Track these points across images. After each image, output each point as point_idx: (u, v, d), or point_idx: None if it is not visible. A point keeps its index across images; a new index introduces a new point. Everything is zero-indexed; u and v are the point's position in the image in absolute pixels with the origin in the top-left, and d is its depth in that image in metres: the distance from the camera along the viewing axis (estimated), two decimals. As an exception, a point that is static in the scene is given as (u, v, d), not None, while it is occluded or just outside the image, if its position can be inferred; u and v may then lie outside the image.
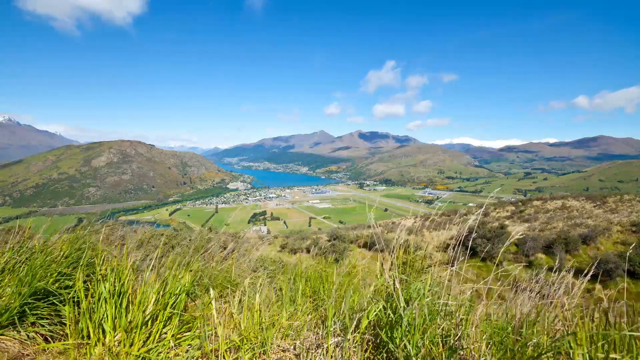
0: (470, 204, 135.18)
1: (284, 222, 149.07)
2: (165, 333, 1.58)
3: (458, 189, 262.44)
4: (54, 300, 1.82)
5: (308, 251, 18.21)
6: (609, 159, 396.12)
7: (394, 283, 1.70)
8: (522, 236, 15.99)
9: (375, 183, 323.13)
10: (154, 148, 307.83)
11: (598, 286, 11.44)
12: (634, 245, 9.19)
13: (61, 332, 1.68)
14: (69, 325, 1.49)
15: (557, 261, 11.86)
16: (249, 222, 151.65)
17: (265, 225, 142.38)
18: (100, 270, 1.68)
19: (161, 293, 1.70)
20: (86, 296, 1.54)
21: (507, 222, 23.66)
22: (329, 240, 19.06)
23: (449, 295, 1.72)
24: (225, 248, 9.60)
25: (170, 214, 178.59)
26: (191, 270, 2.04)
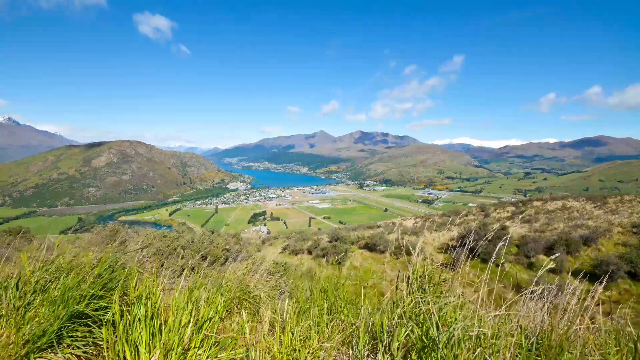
0: (470, 204, 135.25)
1: (284, 223, 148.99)
2: (200, 355, 1.61)
3: (458, 189, 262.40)
4: (89, 322, 1.84)
5: (310, 252, 18.22)
6: (609, 159, 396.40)
7: (423, 304, 1.68)
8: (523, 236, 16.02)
9: (375, 183, 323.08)
10: (154, 148, 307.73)
11: (600, 288, 11.51)
12: None
13: (95, 353, 1.71)
14: (106, 347, 1.52)
15: (558, 263, 11.78)
16: (249, 222, 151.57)
17: (265, 225, 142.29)
18: (134, 292, 1.69)
19: (194, 314, 1.69)
20: (121, 318, 1.57)
21: (507, 223, 23.69)
22: (330, 242, 19.09)
23: (481, 320, 1.70)
24: (228, 250, 9.60)
25: (170, 214, 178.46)
26: (222, 294, 2.05)
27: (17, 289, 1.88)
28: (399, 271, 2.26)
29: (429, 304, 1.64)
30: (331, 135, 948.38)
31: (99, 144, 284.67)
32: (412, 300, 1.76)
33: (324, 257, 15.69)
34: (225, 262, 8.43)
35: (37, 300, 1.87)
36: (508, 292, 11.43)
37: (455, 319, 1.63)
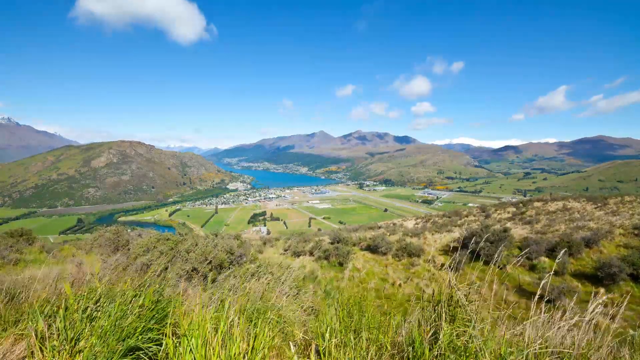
0: (470, 204, 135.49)
1: (284, 223, 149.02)
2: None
3: (458, 189, 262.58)
4: (140, 354, 1.85)
5: (311, 254, 18.22)
6: (609, 159, 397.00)
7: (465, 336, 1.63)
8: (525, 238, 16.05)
9: (375, 183, 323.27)
10: (154, 148, 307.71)
11: (602, 290, 11.50)
12: None
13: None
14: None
15: (560, 265, 11.76)
16: (248, 223, 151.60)
17: (265, 225, 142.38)
18: (184, 324, 1.68)
19: (242, 347, 1.66)
20: (174, 351, 1.57)
21: (508, 224, 23.72)
22: (332, 243, 19.09)
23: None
24: (232, 253, 9.61)
25: (170, 215, 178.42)
26: (269, 322, 2.04)
27: (64, 319, 1.83)
28: (423, 291, 2.23)
29: (470, 336, 1.58)
30: (331, 135, 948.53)
31: (99, 144, 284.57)
32: (451, 331, 1.67)
33: (326, 259, 15.70)
34: (230, 265, 8.45)
35: (86, 330, 1.83)
36: (510, 294, 11.45)
37: (502, 356, 1.56)
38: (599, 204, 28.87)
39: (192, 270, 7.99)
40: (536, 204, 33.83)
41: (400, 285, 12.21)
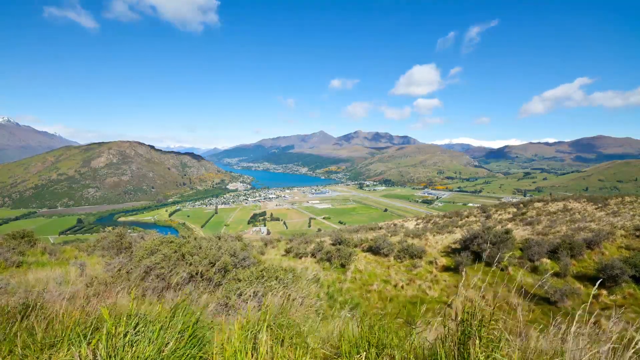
0: (470, 204, 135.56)
1: (284, 223, 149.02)
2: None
3: (458, 189, 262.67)
4: None
5: (313, 255, 18.23)
6: (608, 158, 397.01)
7: None
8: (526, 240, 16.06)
9: (375, 183, 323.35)
10: (154, 149, 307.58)
11: (604, 292, 11.51)
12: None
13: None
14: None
15: (563, 267, 11.75)
16: (248, 223, 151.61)
17: (265, 225, 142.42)
18: (228, 352, 1.66)
19: None
20: None
21: (510, 225, 23.74)
22: (334, 245, 19.10)
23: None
24: (236, 256, 9.61)
25: (169, 215, 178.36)
26: (308, 349, 1.99)
27: (107, 345, 1.80)
28: (445, 305, 2.22)
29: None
30: (331, 135, 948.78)
31: (99, 144, 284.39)
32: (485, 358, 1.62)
33: (328, 260, 15.71)
34: (234, 268, 8.46)
35: (128, 356, 1.77)
36: (512, 297, 11.46)
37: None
38: (600, 205, 28.87)
39: (196, 274, 8.01)
40: (537, 204, 33.83)
41: (402, 287, 12.23)
